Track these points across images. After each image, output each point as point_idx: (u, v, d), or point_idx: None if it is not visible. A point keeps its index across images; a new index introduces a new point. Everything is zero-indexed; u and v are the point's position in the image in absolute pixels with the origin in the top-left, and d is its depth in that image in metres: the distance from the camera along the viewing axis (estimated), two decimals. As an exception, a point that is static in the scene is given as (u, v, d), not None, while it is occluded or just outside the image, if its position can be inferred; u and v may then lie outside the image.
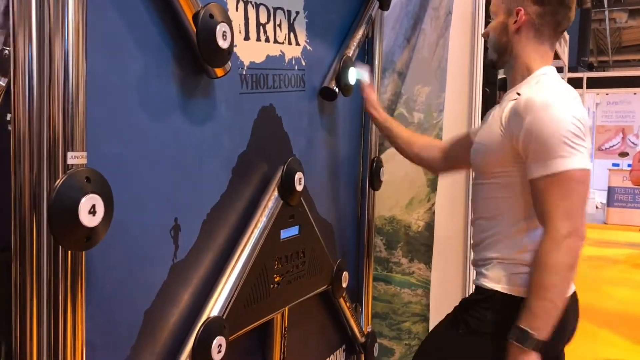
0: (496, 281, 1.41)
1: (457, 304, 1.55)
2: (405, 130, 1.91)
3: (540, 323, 1.28)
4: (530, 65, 1.44)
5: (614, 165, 10.52)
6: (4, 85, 0.98)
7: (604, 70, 13.57)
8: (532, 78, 1.42)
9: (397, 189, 2.40)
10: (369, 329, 2.21)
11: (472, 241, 1.55)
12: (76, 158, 0.91)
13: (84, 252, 0.94)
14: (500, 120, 1.40)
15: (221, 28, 1.21)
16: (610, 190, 9.56)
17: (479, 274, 1.49)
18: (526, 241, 1.39)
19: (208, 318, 1.27)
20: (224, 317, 1.31)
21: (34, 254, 0.90)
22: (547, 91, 1.36)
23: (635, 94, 10.76)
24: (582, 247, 1.28)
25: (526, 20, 1.42)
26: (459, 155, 1.73)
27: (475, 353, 1.42)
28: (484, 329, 1.41)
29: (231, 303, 1.34)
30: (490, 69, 2.27)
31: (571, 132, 1.27)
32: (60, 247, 0.90)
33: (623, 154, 11.08)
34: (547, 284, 1.27)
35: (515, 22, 1.43)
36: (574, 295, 1.46)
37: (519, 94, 1.38)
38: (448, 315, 1.56)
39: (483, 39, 1.66)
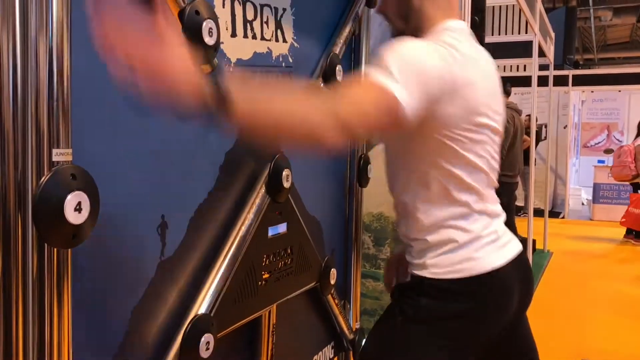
0: (425, 268, 1.39)
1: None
2: None
3: (244, 105, 0.96)
4: (437, 21, 1.38)
5: (599, 162, 10.66)
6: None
7: (589, 68, 13.72)
8: (434, 32, 1.36)
9: (385, 186, 2.40)
10: (357, 326, 2.22)
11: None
12: (61, 155, 0.91)
13: (70, 250, 0.94)
14: None
15: (207, 24, 1.20)
16: (596, 187, 9.66)
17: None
18: (422, 217, 1.38)
19: (196, 315, 1.27)
20: (212, 314, 1.31)
21: (19, 252, 0.89)
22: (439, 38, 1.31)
23: (620, 91, 10.88)
24: (328, 134, 1.06)
25: None
26: None
27: (414, 339, 1.39)
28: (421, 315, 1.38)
29: (219, 300, 1.34)
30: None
31: (419, 68, 1.22)
32: (45, 244, 0.90)
33: (608, 151, 11.21)
34: (290, 103, 1.06)
35: None
36: (519, 258, 1.42)
37: None
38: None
39: (379, 14, 1.52)
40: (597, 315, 4.18)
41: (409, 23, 1.42)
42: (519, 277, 1.42)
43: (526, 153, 5.81)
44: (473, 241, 1.36)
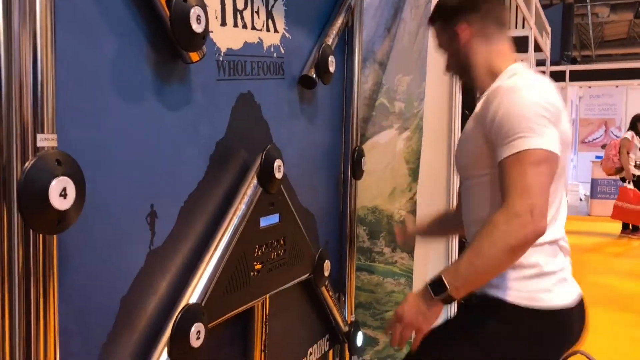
0: (502, 289, 1.35)
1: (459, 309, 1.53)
2: (440, 221, 1.89)
3: (459, 282, 1.26)
4: (493, 66, 1.44)
5: (597, 157, 10.64)
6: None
7: (587, 64, 13.72)
8: (502, 75, 1.41)
9: (379, 179, 2.41)
10: (352, 319, 2.21)
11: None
12: (46, 140, 0.90)
13: (55, 236, 0.93)
14: (474, 117, 1.39)
15: (195, 12, 1.20)
16: (594, 182, 9.66)
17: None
18: None
19: (186, 305, 1.26)
20: (203, 304, 1.31)
21: (4, 238, 0.88)
22: (515, 79, 1.35)
23: (617, 86, 10.88)
24: (534, 231, 1.19)
25: (470, 31, 1.44)
26: None
27: None
28: (489, 340, 1.37)
29: (210, 290, 1.33)
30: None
31: (536, 113, 1.25)
32: (31, 230, 0.89)
33: (606, 147, 11.21)
34: (482, 251, 1.23)
35: (460, 39, 1.44)
36: (581, 302, 1.42)
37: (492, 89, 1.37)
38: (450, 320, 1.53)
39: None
40: (593, 310, 4.18)
41: (472, 74, 1.47)
42: (579, 320, 1.42)
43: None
44: (552, 273, 1.36)
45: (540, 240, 1.24)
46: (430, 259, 2.33)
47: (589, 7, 11.31)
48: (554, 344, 1.38)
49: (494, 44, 1.45)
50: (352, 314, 2.22)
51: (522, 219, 1.19)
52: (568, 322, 1.39)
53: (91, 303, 1.09)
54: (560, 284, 1.37)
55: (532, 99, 1.28)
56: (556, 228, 1.39)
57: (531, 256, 1.32)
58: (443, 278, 1.27)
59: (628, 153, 7.11)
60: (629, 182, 7.15)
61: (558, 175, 1.32)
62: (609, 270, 5.75)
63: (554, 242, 1.38)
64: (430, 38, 2.25)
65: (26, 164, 0.87)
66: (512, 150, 1.24)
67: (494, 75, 1.43)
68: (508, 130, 1.26)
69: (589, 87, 11.14)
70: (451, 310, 2.22)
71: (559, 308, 1.35)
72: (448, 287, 1.25)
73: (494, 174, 1.33)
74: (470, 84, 1.51)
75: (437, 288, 1.27)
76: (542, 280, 1.34)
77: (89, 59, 1.06)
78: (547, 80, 1.38)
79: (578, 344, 1.45)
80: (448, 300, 1.27)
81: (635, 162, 7.16)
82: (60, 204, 0.89)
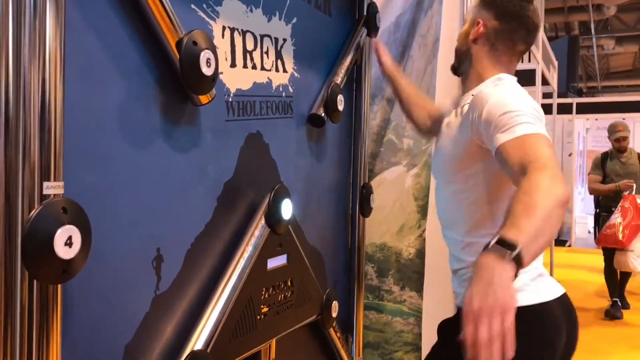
0: None
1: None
2: (408, 86, 1.96)
3: (525, 237, 1.00)
4: (483, 74, 1.48)
5: (605, 190, 10.54)
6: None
7: (593, 96, 13.73)
8: (488, 81, 1.45)
9: (388, 216, 2.38)
10: (360, 360, 2.16)
11: (450, 252, 1.51)
12: (52, 188, 0.89)
13: (60, 286, 0.91)
14: (458, 122, 1.41)
15: (205, 55, 1.20)
16: (602, 215, 9.55)
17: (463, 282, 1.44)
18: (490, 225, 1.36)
19: (192, 352, 1.23)
20: (209, 350, 1.27)
21: (7, 288, 0.86)
22: (503, 87, 1.38)
23: (624, 119, 10.86)
24: (567, 191, 1.11)
25: (483, 32, 1.48)
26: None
27: None
28: None
29: (216, 335, 1.30)
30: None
31: (530, 107, 1.26)
32: (34, 280, 0.87)
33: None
34: (540, 204, 1.04)
35: (475, 31, 1.49)
36: (563, 298, 1.40)
37: (473, 95, 1.38)
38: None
39: None
40: (608, 345, 4.09)
41: (460, 66, 1.55)
42: (565, 316, 1.39)
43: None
44: (534, 269, 1.36)
45: None
46: (439, 299, 2.28)
47: (594, 39, 11.39)
48: (542, 343, 1.32)
49: (497, 60, 1.48)
50: (360, 355, 2.17)
51: (558, 175, 1.11)
52: (552, 318, 1.35)
53: (94, 351, 1.07)
54: (540, 279, 1.37)
55: (523, 98, 1.30)
56: None
57: None
58: (506, 238, 1.01)
59: None
60: None
61: None
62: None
63: None
64: (439, 77, 2.25)
65: (32, 213, 0.85)
66: (513, 135, 1.20)
67: (480, 78, 1.47)
68: (503, 119, 1.23)
69: (596, 120, 11.14)
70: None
71: (543, 302, 1.33)
72: (516, 243, 0.99)
73: (486, 172, 1.34)
74: (459, 71, 1.59)
75: (503, 249, 0.99)
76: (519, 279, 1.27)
77: (96, 103, 1.05)
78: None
79: (573, 344, 1.40)
80: (519, 262, 0.99)
81: None
82: (65, 253, 0.88)
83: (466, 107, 1.40)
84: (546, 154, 1.15)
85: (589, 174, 5.28)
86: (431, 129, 1.85)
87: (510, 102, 1.27)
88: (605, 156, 5.18)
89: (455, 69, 1.59)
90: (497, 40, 1.47)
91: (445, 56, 2.26)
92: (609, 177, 5.02)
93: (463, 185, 1.41)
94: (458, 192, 1.43)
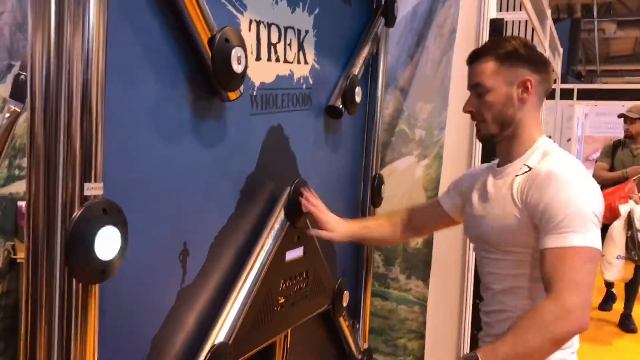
0: None
1: None
2: (373, 226, 1.76)
3: None
4: (533, 134, 1.38)
5: (600, 175, 10.60)
6: (19, 110, 0.95)
7: (591, 80, 13.70)
8: (535, 149, 1.37)
9: (397, 205, 2.39)
10: (366, 346, 2.20)
11: (486, 307, 1.44)
12: (93, 189, 0.89)
13: (97, 285, 0.92)
14: (513, 195, 1.33)
15: (236, 52, 1.19)
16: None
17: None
18: None
19: (214, 345, 1.25)
20: (230, 342, 1.30)
21: (46, 287, 0.87)
22: (564, 165, 1.32)
23: (623, 106, 10.86)
24: (579, 327, 1.17)
25: (533, 89, 1.36)
26: (424, 225, 1.69)
27: None
28: None
29: (237, 327, 1.32)
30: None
31: (592, 212, 1.23)
32: (74, 280, 0.88)
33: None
34: (526, 339, 1.17)
35: (522, 92, 1.35)
36: None
37: (528, 167, 1.33)
38: None
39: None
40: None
41: (504, 131, 1.39)
42: None
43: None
44: (573, 345, 1.35)
45: None
46: (445, 290, 2.32)
47: (595, 22, 11.33)
48: None
49: (537, 112, 1.40)
50: (365, 342, 2.21)
51: (574, 315, 1.16)
52: None
53: (123, 345, 1.09)
54: (573, 356, 1.36)
55: (593, 195, 1.27)
56: None
57: None
58: (479, 357, 1.18)
59: None
60: None
61: None
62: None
63: None
64: (454, 68, 2.24)
65: (73, 215, 0.86)
66: (563, 243, 1.22)
67: (529, 143, 1.38)
68: (561, 221, 1.22)
69: (595, 105, 11.14)
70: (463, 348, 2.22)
71: None
72: None
73: (533, 254, 1.30)
74: (492, 138, 1.41)
75: None
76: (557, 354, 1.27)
77: (130, 100, 1.05)
78: (578, 162, 1.38)
79: None
80: None
81: None
82: (105, 254, 0.89)
83: (519, 180, 1.33)
84: (577, 279, 1.19)
85: (596, 160, 5.06)
86: (415, 230, 1.72)
87: (573, 203, 1.24)
88: (617, 144, 4.86)
89: (495, 137, 1.40)
90: (540, 92, 1.38)
91: (461, 47, 2.24)
92: (616, 166, 4.74)
93: (510, 257, 1.37)
94: (501, 261, 1.39)
